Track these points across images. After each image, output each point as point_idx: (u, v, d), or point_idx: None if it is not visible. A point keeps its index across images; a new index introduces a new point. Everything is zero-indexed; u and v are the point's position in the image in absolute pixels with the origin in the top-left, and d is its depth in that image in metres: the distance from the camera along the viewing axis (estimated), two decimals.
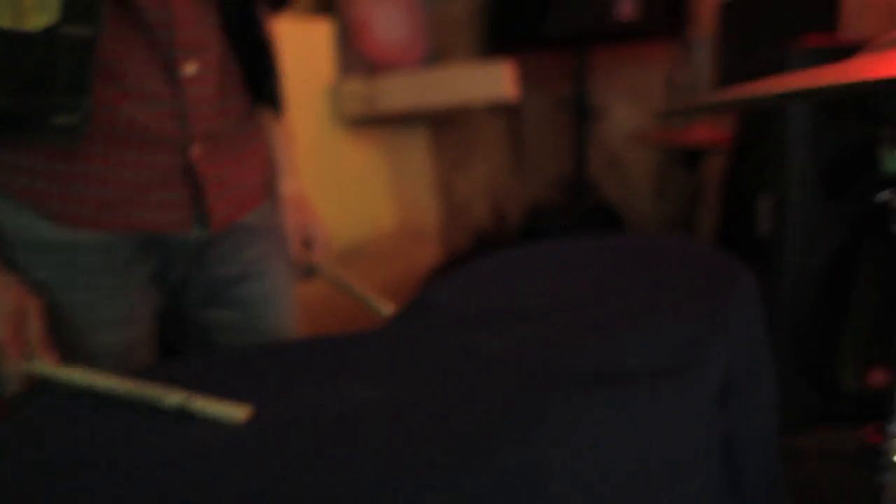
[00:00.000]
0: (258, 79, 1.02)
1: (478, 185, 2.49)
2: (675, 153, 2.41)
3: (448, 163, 2.35)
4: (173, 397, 0.63)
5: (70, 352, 0.81)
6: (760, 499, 0.83)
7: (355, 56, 2.04)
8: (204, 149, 0.91)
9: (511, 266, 0.97)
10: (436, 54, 2.23)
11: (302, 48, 1.94)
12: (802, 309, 1.68)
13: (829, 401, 1.69)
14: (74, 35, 0.76)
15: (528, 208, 2.40)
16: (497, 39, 2.57)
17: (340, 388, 0.69)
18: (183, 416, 0.63)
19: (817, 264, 1.62)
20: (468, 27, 2.58)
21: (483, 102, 2.09)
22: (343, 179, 2.03)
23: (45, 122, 0.78)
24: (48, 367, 0.74)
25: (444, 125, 2.29)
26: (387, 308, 1.00)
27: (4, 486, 0.56)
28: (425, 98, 2.03)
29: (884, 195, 0.86)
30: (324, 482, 0.54)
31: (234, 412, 0.61)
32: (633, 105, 2.72)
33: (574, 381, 0.71)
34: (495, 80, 2.03)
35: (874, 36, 0.91)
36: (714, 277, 1.00)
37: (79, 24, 0.76)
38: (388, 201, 2.11)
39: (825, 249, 1.63)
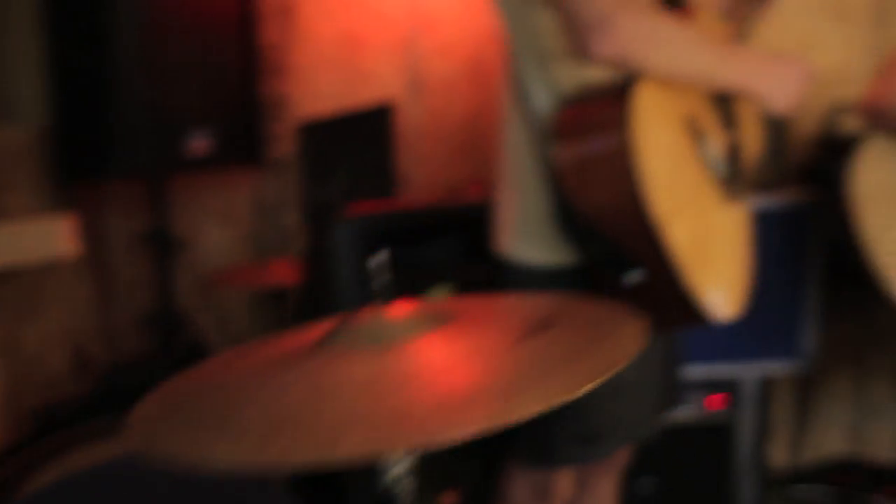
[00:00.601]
0: None
1: (53, 335, 2.27)
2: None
3: (10, 317, 2.11)
4: None
5: None
6: None
7: None
8: None
9: None
10: None
11: None
12: None
13: None
14: None
15: (111, 361, 2.25)
16: (65, 170, 2.38)
17: None
18: None
19: None
20: (31, 157, 2.36)
21: (39, 262, 1.91)
22: None
23: None
24: None
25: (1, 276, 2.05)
26: None
27: None
28: None
29: (383, 482, 0.88)
30: None
31: None
32: (222, 229, 2.71)
33: None
34: (52, 238, 1.87)
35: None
36: None
37: None
38: None
39: None
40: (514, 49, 1.39)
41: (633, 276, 1.23)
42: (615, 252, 1.24)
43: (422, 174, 2.65)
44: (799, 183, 2.38)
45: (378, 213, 1.71)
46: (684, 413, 2.11)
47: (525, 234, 1.39)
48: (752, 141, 1.57)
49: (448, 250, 1.76)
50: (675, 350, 1.62)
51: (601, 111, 1.24)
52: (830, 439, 2.71)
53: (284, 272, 2.22)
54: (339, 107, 2.66)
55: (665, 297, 1.25)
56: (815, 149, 2.44)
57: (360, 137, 2.54)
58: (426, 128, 2.68)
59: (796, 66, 1.38)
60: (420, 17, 2.66)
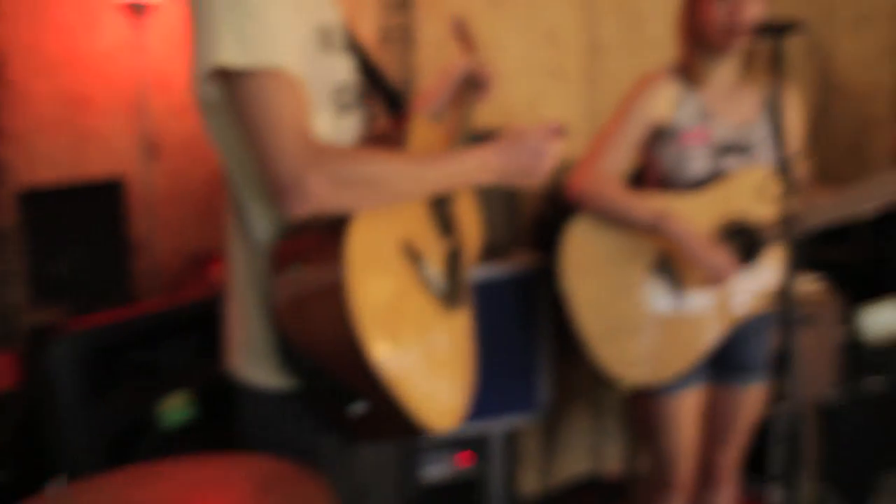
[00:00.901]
0: None
1: None
2: None
3: None
4: None
5: None
6: None
7: None
8: None
9: None
10: None
11: None
12: None
13: None
14: None
15: None
16: None
17: None
18: None
19: None
20: None
21: None
22: None
23: None
24: None
25: None
26: None
27: None
28: None
29: None
30: None
31: None
32: None
33: None
34: None
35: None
36: None
37: None
38: None
39: None
40: (231, 174, 1.34)
41: (357, 407, 1.26)
42: (337, 385, 1.25)
43: (162, 239, 2.52)
44: (530, 240, 2.55)
45: (101, 326, 1.60)
46: (436, 472, 2.20)
47: (252, 356, 1.37)
48: (473, 235, 1.66)
49: (182, 353, 1.70)
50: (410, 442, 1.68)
51: (314, 246, 1.24)
52: (574, 461, 2.96)
53: (6, 371, 2.01)
54: (66, 171, 2.46)
55: (389, 419, 1.29)
56: (544, 203, 2.62)
57: (91, 209, 2.37)
58: (164, 191, 2.55)
59: (533, 137, 1.47)
60: (150, 77, 2.52)
